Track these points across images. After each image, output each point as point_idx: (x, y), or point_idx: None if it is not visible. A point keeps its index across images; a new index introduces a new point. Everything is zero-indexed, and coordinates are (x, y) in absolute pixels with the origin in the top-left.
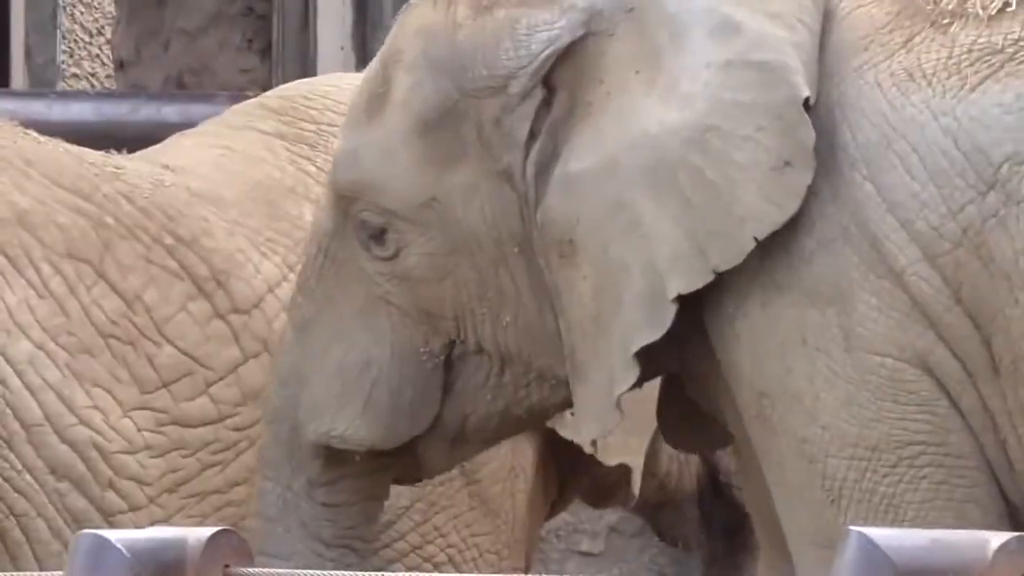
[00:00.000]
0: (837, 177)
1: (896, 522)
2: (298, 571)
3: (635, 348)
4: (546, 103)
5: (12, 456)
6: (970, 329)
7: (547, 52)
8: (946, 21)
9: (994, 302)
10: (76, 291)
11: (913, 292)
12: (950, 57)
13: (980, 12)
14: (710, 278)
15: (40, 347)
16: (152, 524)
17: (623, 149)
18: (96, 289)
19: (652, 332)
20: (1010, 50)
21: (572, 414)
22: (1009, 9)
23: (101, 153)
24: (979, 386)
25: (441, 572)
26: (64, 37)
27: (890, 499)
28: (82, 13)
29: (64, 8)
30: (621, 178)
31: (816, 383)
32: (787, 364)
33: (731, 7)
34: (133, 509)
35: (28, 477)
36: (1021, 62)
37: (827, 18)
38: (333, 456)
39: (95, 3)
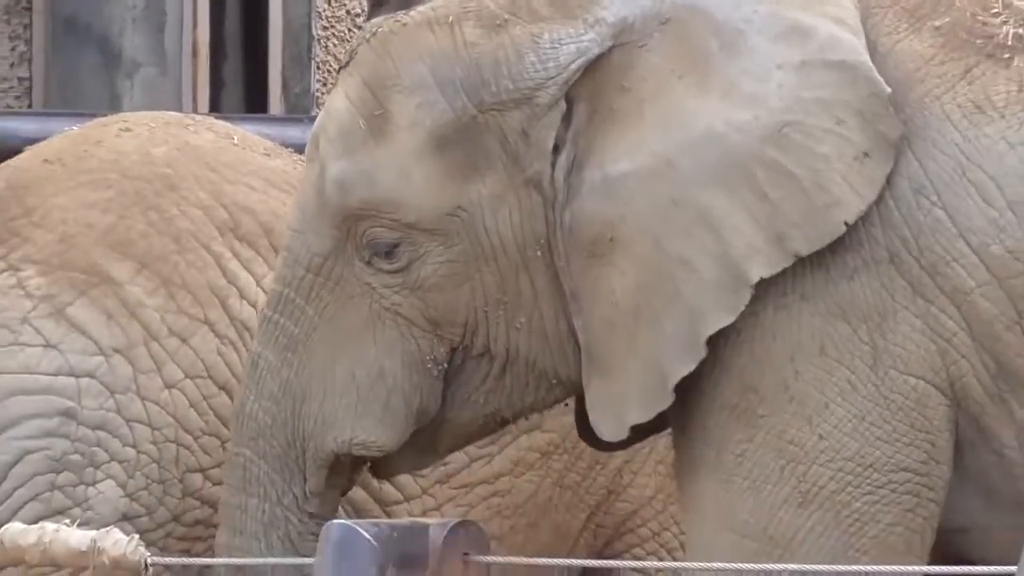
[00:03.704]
0: (894, 202)
1: (855, 536)
2: (539, 559)
3: (709, 332)
4: (568, 113)
5: None
6: None
7: (577, 63)
8: (1006, 56)
9: None
10: None
11: (976, 312)
12: (1020, 90)
13: None
14: (791, 262)
15: None
16: (424, 513)
17: (677, 149)
18: None
19: (727, 316)
20: None
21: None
22: None
23: None
24: (1013, 403)
25: (675, 559)
26: (318, 68)
27: (859, 515)
28: (335, 45)
29: (319, 41)
30: (678, 177)
31: (827, 392)
32: (796, 368)
33: (795, 12)
34: (408, 499)
35: None
36: None
37: (871, 52)
38: (334, 467)
39: (348, 36)
